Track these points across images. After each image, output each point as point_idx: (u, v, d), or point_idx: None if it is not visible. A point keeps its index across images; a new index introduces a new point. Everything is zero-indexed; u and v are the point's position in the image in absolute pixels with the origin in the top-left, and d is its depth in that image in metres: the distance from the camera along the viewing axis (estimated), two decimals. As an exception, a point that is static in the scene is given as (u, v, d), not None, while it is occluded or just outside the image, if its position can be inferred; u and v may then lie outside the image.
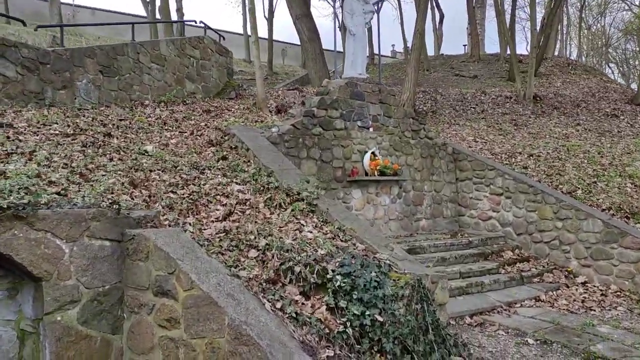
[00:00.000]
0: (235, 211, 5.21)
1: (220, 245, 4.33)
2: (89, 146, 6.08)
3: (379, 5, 9.59)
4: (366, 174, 8.27)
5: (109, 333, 3.87)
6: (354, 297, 3.89)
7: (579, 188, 8.80)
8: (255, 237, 4.56)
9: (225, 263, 4.00)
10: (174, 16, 19.36)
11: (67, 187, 4.48)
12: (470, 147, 10.88)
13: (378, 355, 3.71)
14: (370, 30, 23.88)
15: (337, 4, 10.01)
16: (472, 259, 7.68)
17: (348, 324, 3.76)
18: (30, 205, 3.41)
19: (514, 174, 8.98)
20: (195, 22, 13.48)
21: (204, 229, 4.66)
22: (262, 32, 19.68)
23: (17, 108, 6.95)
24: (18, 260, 3.31)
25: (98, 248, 3.80)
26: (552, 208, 8.17)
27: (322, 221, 5.37)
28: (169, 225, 4.38)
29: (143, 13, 22.59)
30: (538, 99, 16.16)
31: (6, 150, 5.03)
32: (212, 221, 4.92)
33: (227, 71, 12.57)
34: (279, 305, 3.75)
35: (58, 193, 4.25)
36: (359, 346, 3.74)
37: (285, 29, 26.93)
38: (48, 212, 3.51)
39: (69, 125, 6.69)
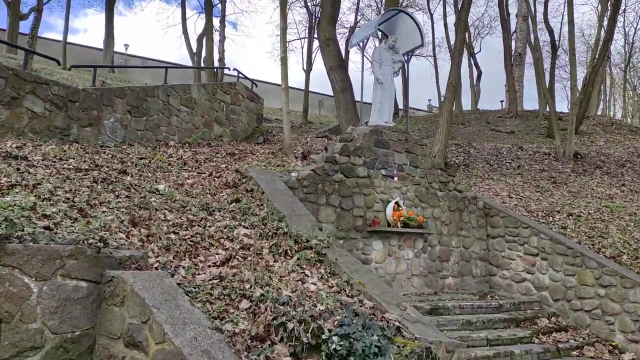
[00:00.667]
0: (237, 256, 4.85)
1: (210, 293, 3.95)
2: (100, 182, 5.97)
3: (409, 56, 9.46)
4: (388, 225, 7.79)
5: (75, 386, 3.48)
6: (351, 363, 3.36)
7: (624, 253, 7.94)
8: (251, 287, 4.16)
9: (209, 314, 3.59)
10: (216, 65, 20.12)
11: (60, 221, 4.28)
12: (504, 202, 10.22)
13: None
14: (407, 83, 24.03)
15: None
16: (502, 325, 6.89)
17: (341, 396, 3.22)
18: (-1, 238, 3.18)
19: (550, 233, 8.24)
20: (229, 69, 13.82)
21: (198, 274, 4.31)
22: (300, 83, 20.12)
23: (38, 142, 7.02)
24: (-22, 296, 3.05)
25: (72, 289, 3.50)
26: (593, 273, 7.33)
27: (329, 273, 4.91)
28: (157, 268, 4.06)
29: (190, 64, 23.66)
30: (579, 156, 15.34)
31: (10, 181, 4.94)
32: (209, 266, 4.57)
33: (256, 117, 12.64)
34: (262, 367, 3.28)
35: (47, 227, 4.04)
36: None
37: (324, 82, 27.53)
38: (19, 247, 3.26)
39: (85, 161, 6.66)
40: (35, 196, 4.69)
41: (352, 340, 3.47)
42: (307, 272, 4.79)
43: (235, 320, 3.61)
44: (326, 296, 4.24)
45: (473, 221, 8.88)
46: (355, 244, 7.52)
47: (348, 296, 4.51)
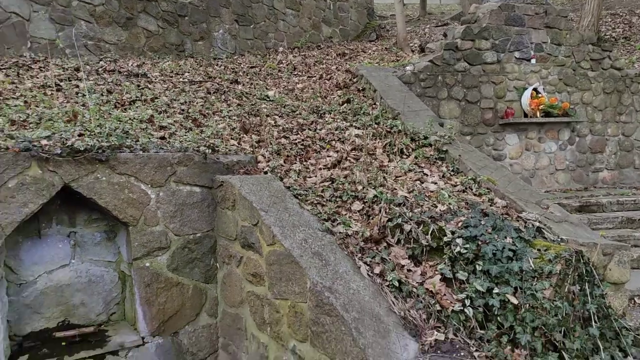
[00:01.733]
0: (348, 158, 4.56)
1: (321, 196, 3.75)
2: (213, 93, 6.01)
3: None
4: (525, 115, 6.78)
5: (202, 282, 3.67)
6: (478, 268, 2.95)
7: None
8: (363, 188, 3.87)
9: (319, 216, 3.40)
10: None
11: (175, 132, 4.36)
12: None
13: (509, 346, 2.76)
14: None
15: None
16: (673, 225, 5.74)
17: (468, 302, 2.87)
18: (110, 149, 3.26)
19: None
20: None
21: (308, 177, 4.14)
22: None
23: (156, 60, 7.28)
24: (102, 204, 3.22)
25: (187, 194, 3.56)
26: None
27: (451, 171, 4.38)
28: (266, 172, 3.95)
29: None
30: None
31: (131, 97, 5.16)
32: (320, 168, 4.36)
33: (367, 12, 11.63)
34: (378, 269, 3.04)
35: (162, 137, 4.14)
36: (481, 331, 2.84)
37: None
38: (130, 156, 3.33)
39: (199, 74, 6.75)
40: (152, 109, 4.84)
41: (479, 242, 3.01)
42: (425, 171, 4.32)
43: (346, 223, 3.38)
44: (448, 196, 3.77)
45: (636, 104, 7.29)
46: (485, 140, 6.73)
47: (475, 195, 3.98)
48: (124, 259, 3.57)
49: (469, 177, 4.20)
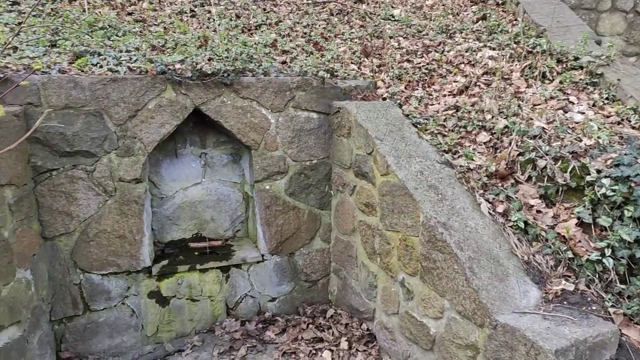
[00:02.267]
0: (478, 83, 4.11)
1: (443, 125, 3.48)
2: (336, 14, 5.80)
3: None
4: None
5: (317, 208, 3.76)
6: (627, 214, 2.51)
7: None
8: (492, 117, 3.49)
9: (439, 147, 3.17)
10: None
11: (296, 56, 4.33)
12: None
13: (657, 308, 2.37)
14: None
15: None
16: None
17: (608, 251, 2.49)
18: (234, 72, 3.34)
19: None
20: None
21: (431, 104, 3.85)
22: None
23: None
24: (227, 127, 3.38)
25: (304, 120, 3.56)
26: None
27: (605, 98, 3.70)
28: (385, 99, 3.75)
29: None
30: None
31: (257, 21, 5.21)
32: (444, 95, 4.02)
33: None
34: (501, 208, 2.78)
35: (284, 62, 4.15)
36: (621, 286, 2.48)
37: None
38: (252, 80, 3.38)
39: (321, -5, 6.53)
40: (276, 33, 4.84)
41: (632, 185, 2.54)
42: (571, 98, 3.72)
43: (469, 155, 3.10)
44: (598, 128, 3.21)
45: None
46: (655, 61, 5.55)
47: (633, 128, 3.34)
48: (247, 181, 3.80)
49: (628, 107, 3.51)
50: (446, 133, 3.41)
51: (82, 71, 3.26)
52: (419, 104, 3.80)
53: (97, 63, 3.34)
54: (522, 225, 2.67)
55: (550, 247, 2.59)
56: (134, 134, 3.18)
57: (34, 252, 2.91)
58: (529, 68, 4.17)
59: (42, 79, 2.95)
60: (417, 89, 4.09)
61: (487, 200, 2.84)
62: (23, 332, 2.71)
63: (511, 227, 2.70)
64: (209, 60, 3.62)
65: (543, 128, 3.21)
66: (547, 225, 2.71)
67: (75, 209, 3.12)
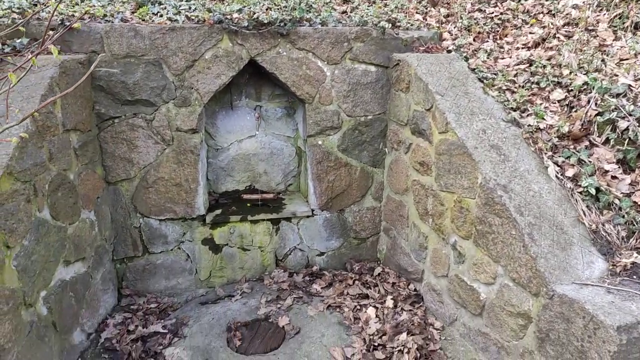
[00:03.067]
0: (557, 35, 3.73)
1: (513, 80, 3.21)
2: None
3: None
4: None
5: (370, 165, 3.66)
6: None
7: None
8: (570, 73, 3.17)
9: (506, 104, 2.94)
10: None
11: (358, 5, 4.14)
12: None
13: None
14: None
15: None
16: None
17: (694, 226, 2.23)
18: (291, 22, 3.23)
19: None
20: None
21: (501, 58, 3.56)
22: None
23: None
24: (282, 79, 3.31)
25: (361, 73, 3.41)
26: None
27: None
28: (450, 51, 3.51)
29: None
30: None
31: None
32: (517, 48, 3.69)
33: None
34: (571, 172, 2.55)
35: (344, 12, 3.98)
36: None
37: None
38: (309, 30, 3.26)
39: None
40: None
41: None
42: (667, 53, 3.28)
43: (540, 114, 2.85)
44: (696, 88, 2.81)
45: None
46: None
47: None
48: (300, 136, 3.76)
49: None
50: (515, 89, 3.14)
51: (143, 20, 3.30)
52: (487, 57, 3.52)
53: (158, 12, 3.36)
54: (593, 191, 2.44)
55: (623, 217, 2.36)
56: (191, 84, 3.21)
57: (98, 195, 3.08)
58: (619, 18, 3.71)
59: (105, 27, 3.01)
60: (487, 41, 3.79)
61: (555, 163, 2.61)
62: (87, 268, 2.91)
63: (580, 192, 2.48)
64: (267, 9, 3.53)
65: (629, 86, 2.86)
66: (622, 193, 2.45)
67: (135, 156, 3.24)
